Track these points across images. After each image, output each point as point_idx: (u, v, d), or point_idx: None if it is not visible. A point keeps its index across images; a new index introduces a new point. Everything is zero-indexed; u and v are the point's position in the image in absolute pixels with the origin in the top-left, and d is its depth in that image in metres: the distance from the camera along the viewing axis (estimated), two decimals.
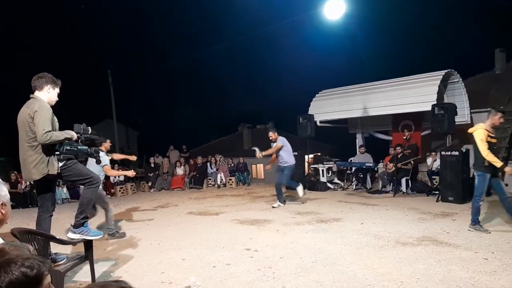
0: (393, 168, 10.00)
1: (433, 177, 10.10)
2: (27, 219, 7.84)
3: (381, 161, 11.43)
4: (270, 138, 8.21)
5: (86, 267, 4.00)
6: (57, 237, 3.47)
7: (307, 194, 10.44)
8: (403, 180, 9.98)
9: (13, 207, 9.60)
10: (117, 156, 7.39)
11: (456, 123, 9.17)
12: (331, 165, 12.00)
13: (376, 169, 11.26)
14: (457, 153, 8.36)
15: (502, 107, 11.21)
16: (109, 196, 11.96)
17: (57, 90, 3.68)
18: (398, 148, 10.21)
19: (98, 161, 4.13)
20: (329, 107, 12.00)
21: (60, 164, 3.58)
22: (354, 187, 11.18)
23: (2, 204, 2.01)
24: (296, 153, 11.74)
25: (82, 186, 4.14)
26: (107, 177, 12.28)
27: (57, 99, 3.71)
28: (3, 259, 1.25)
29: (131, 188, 12.90)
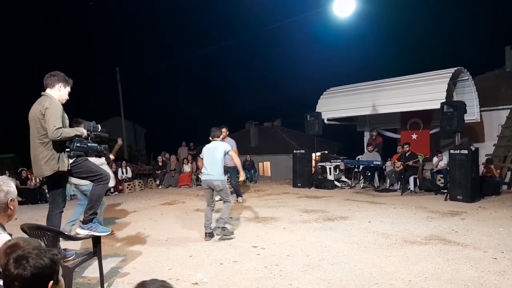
0: (401, 167, 9.94)
1: (440, 176, 10.04)
2: (37, 215, 7.94)
3: (389, 159, 11.37)
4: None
5: (95, 263, 4.04)
6: (66, 233, 3.51)
7: (314, 192, 10.42)
8: (411, 179, 9.92)
9: (23, 203, 9.81)
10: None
11: (466, 121, 9.08)
12: (339, 163, 11.96)
13: (384, 167, 11.20)
14: (466, 151, 8.28)
15: None
16: (117, 192, 12.05)
17: (68, 89, 3.72)
18: (406, 146, 10.15)
19: (108, 159, 4.16)
20: (337, 104, 11.95)
21: (70, 161, 3.61)
22: (361, 186, 11.14)
23: (11, 200, 2.06)
24: (303, 151, 11.77)
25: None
26: (114, 174, 12.38)
27: (68, 97, 3.74)
28: (24, 251, 1.33)
29: (138, 185, 12.97)
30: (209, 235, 5.67)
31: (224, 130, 8.05)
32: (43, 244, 1.46)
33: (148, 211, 8.45)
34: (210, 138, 6.18)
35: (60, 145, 3.53)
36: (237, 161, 6.32)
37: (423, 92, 9.96)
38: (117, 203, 9.80)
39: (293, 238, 5.55)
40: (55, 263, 1.37)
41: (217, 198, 7.79)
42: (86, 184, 5.85)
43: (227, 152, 5.85)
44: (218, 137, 6.15)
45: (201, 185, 12.79)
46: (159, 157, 14.64)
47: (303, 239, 5.43)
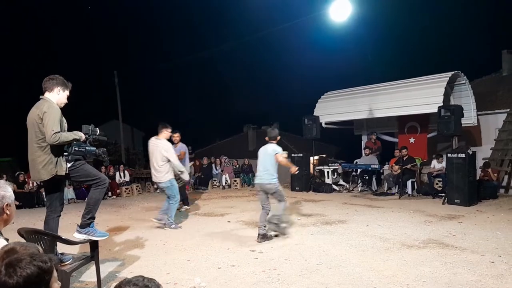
0: (399, 170, 9.96)
1: (438, 179, 10.07)
2: (34, 219, 7.90)
3: (386, 163, 11.40)
4: (174, 138, 8.22)
5: (92, 267, 4.03)
6: (63, 237, 3.49)
7: (312, 196, 10.42)
8: (409, 182, 9.95)
9: (20, 207, 9.74)
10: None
11: (463, 125, 9.12)
12: (336, 167, 11.98)
13: (381, 171, 11.22)
14: (463, 155, 8.31)
15: (509, 109, 11.16)
16: (115, 196, 12.02)
17: (67, 92, 3.71)
18: (403, 150, 10.17)
19: (107, 163, 4.15)
20: (334, 108, 11.99)
21: (69, 165, 3.60)
22: (359, 189, 11.15)
23: (7, 204, 2.04)
24: (301, 155, 11.78)
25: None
26: (112, 178, 12.35)
27: (67, 101, 3.74)
28: (15, 257, 1.32)
29: (136, 189, 12.93)
30: (262, 236, 5.62)
31: (176, 134, 8.27)
32: (40, 249, 1.46)
33: (145, 215, 8.42)
34: (266, 139, 6.02)
35: (58, 149, 3.52)
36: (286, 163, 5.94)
37: (420, 96, 10.01)
38: (115, 207, 9.77)
39: (291, 242, 5.55)
40: (45, 272, 1.35)
41: (183, 208, 8.26)
42: (164, 182, 6.56)
43: (275, 154, 5.68)
44: (274, 139, 5.89)
45: (199, 189, 12.82)
46: None
47: (301, 243, 5.43)
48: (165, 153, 6.59)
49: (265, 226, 5.72)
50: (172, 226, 6.73)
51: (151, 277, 1.48)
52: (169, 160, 6.60)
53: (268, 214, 5.76)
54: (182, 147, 8.57)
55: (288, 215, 6.93)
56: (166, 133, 6.83)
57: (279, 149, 5.73)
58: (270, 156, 5.71)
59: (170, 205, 6.77)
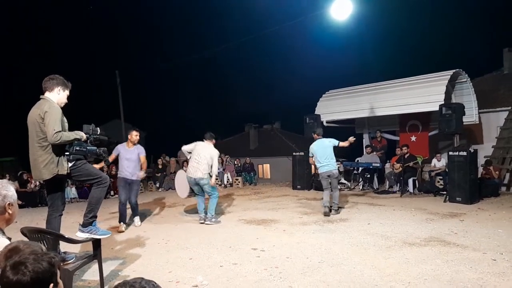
0: (400, 168, 9.95)
1: (439, 177, 10.06)
2: (37, 219, 7.93)
3: (388, 161, 11.39)
4: (137, 137, 7.26)
5: (95, 266, 4.04)
6: (66, 236, 3.51)
7: (314, 194, 10.42)
8: (410, 181, 9.94)
9: (22, 206, 9.78)
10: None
11: (464, 123, 9.11)
12: (338, 165, 11.96)
13: (383, 169, 11.21)
14: (465, 153, 8.30)
15: (510, 107, 11.14)
16: (116, 195, 12.03)
17: (67, 92, 3.72)
18: (404, 148, 10.16)
19: (107, 162, 4.16)
20: (336, 107, 11.98)
21: (70, 165, 3.61)
22: (361, 188, 11.15)
23: (9, 204, 2.05)
24: (302, 153, 11.78)
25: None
26: (114, 177, 12.36)
27: (67, 101, 3.75)
28: (22, 254, 1.34)
29: None
30: (329, 210, 7.31)
31: (135, 133, 7.21)
32: (43, 247, 1.47)
33: (148, 214, 8.45)
34: (316, 136, 7.67)
35: (59, 148, 3.52)
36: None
37: (422, 94, 9.99)
38: (117, 206, 9.77)
39: (293, 240, 5.56)
40: (53, 266, 1.38)
41: (137, 223, 7.31)
42: (205, 178, 7.06)
43: (337, 145, 7.34)
44: (321, 134, 7.65)
45: None
46: (159, 160, 14.64)
47: (303, 241, 5.44)
48: (210, 160, 7.16)
49: (328, 202, 7.34)
50: (212, 220, 7.00)
51: (154, 275, 1.49)
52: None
53: (330, 194, 7.42)
54: (140, 149, 7.31)
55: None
56: (213, 142, 7.62)
57: (336, 142, 7.37)
58: (330, 148, 7.33)
59: (211, 200, 7.19)
